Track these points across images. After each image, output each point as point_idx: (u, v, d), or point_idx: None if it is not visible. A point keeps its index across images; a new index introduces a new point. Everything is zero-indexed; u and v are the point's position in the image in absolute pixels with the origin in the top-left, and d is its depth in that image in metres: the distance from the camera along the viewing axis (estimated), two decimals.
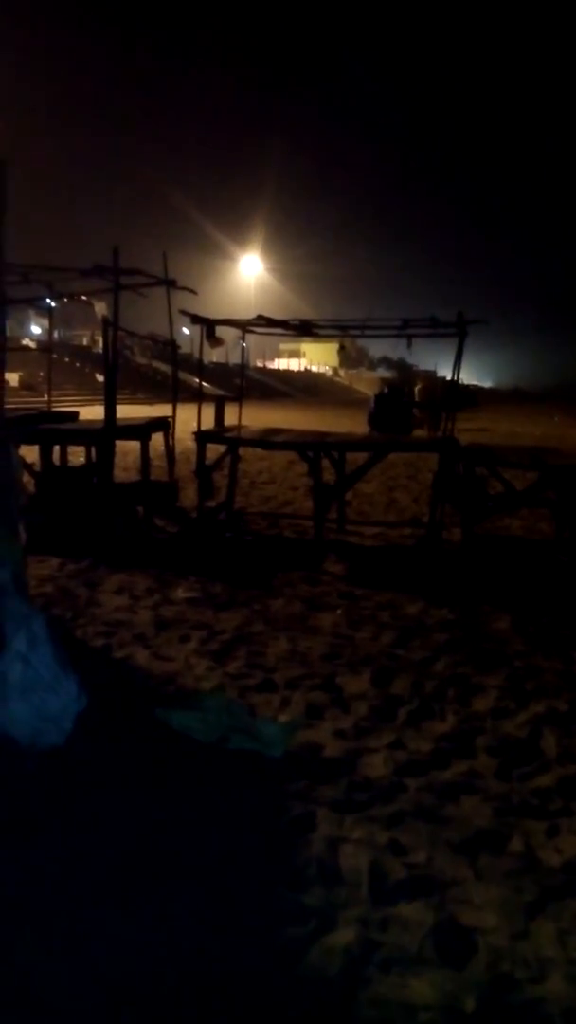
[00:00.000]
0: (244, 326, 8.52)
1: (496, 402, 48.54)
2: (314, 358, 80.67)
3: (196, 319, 7.98)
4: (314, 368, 78.59)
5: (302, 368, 76.46)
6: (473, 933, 2.33)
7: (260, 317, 8.11)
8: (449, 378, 7.70)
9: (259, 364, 67.60)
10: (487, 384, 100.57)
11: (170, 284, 8.22)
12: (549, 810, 3.00)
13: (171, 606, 5.40)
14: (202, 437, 7.91)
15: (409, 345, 8.07)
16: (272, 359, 75.56)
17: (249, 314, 8.37)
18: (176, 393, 8.66)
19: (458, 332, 7.04)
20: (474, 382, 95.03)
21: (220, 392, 25.78)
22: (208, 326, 7.90)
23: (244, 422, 9.29)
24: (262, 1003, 2.06)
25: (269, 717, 3.69)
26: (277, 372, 67.11)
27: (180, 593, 5.68)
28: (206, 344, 8.21)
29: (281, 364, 75.62)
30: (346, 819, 2.90)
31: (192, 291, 8.54)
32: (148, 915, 2.36)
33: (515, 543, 7.91)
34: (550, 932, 2.32)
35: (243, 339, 9.56)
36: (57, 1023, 1.97)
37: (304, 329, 8.42)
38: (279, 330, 8.71)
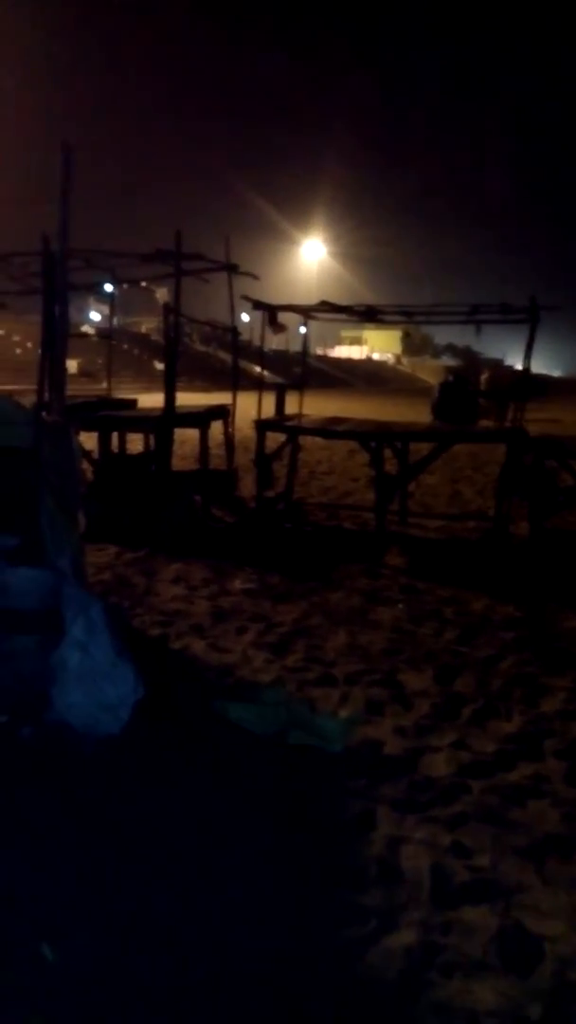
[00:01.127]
0: (307, 312, 8.41)
1: (567, 392, 47.30)
2: (376, 345, 79.95)
3: (258, 305, 7.90)
4: (376, 356, 77.87)
5: (364, 356, 75.78)
6: (540, 940, 2.24)
7: (324, 303, 8.00)
8: (519, 366, 7.48)
9: (319, 352, 67.27)
10: (556, 373, 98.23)
11: (232, 269, 8.16)
12: None
13: (228, 597, 5.37)
14: (262, 426, 7.86)
15: (478, 332, 7.89)
16: (333, 347, 75.07)
17: (311, 300, 8.26)
18: (236, 381, 8.62)
19: (530, 318, 6.81)
20: (543, 371, 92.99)
21: (280, 380, 25.74)
22: (270, 312, 7.83)
23: (305, 411, 9.22)
24: (322, 1001, 2.01)
25: (329, 712, 3.62)
26: (338, 360, 66.71)
27: (237, 584, 5.65)
28: (267, 330, 8.14)
29: (342, 352, 75.06)
30: (407, 818, 2.83)
31: (254, 276, 8.48)
32: (204, 908, 2.32)
33: None
34: None
35: (305, 325, 9.47)
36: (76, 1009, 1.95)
37: (369, 315, 8.28)
38: (343, 316, 8.58)
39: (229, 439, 8.68)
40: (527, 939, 2.25)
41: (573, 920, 2.32)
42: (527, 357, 7.10)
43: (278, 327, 7.91)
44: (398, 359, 79.63)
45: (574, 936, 2.26)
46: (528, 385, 8.23)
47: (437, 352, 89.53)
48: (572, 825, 2.81)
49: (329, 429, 7.82)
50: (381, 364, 74.22)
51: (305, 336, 9.70)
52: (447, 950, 2.20)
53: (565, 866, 2.58)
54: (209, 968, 2.10)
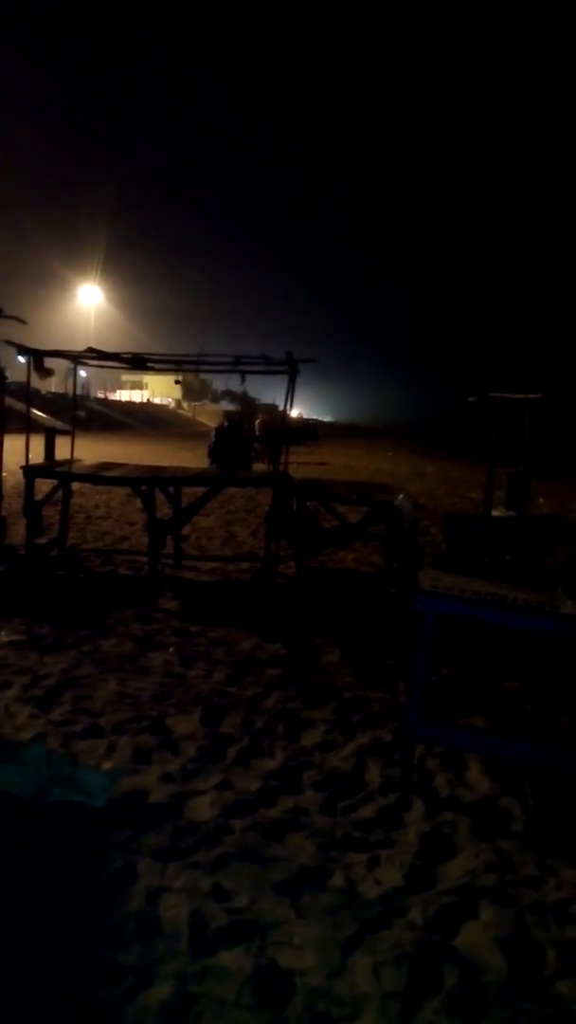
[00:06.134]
0: (75, 357, 8.31)
1: (335, 437, 49.98)
2: (157, 390, 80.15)
3: (22, 350, 7.70)
4: (157, 400, 78.02)
5: (145, 400, 75.71)
6: (292, 975, 2.31)
7: (90, 349, 7.95)
8: (294, 412, 7.83)
9: (100, 395, 66.31)
10: (327, 419, 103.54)
11: None
12: (370, 841, 3.05)
13: None
14: (30, 472, 7.62)
15: (242, 381, 8.16)
16: (114, 390, 74.30)
17: (93, 344, 8.15)
18: (2, 423, 8.28)
19: (289, 370, 7.18)
20: (314, 417, 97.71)
21: (58, 423, 25.08)
22: (36, 357, 7.65)
23: (82, 455, 9.03)
24: None
25: (92, 765, 3.55)
26: (119, 403, 66.00)
27: (3, 636, 5.40)
28: (35, 375, 7.93)
29: (124, 395, 74.49)
30: (169, 867, 2.82)
31: (21, 320, 8.25)
32: None
33: (347, 576, 8.11)
34: (366, 967, 2.34)
35: (75, 370, 9.33)
36: None
37: (137, 363, 8.31)
38: (112, 363, 8.56)
39: None
40: (280, 976, 2.31)
41: (323, 951, 2.42)
42: (286, 406, 7.47)
43: (45, 372, 7.73)
44: (179, 403, 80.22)
45: (324, 966, 2.35)
46: (296, 431, 8.61)
47: (216, 397, 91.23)
48: (326, 855, 2.94)
49: (100, 475, 7.74)
50: (162, 408, 74.31)
51: (75, 380, 9.55)
52: (203, 998, 2.21)
53: (318, 897, 2.69)
54: None
